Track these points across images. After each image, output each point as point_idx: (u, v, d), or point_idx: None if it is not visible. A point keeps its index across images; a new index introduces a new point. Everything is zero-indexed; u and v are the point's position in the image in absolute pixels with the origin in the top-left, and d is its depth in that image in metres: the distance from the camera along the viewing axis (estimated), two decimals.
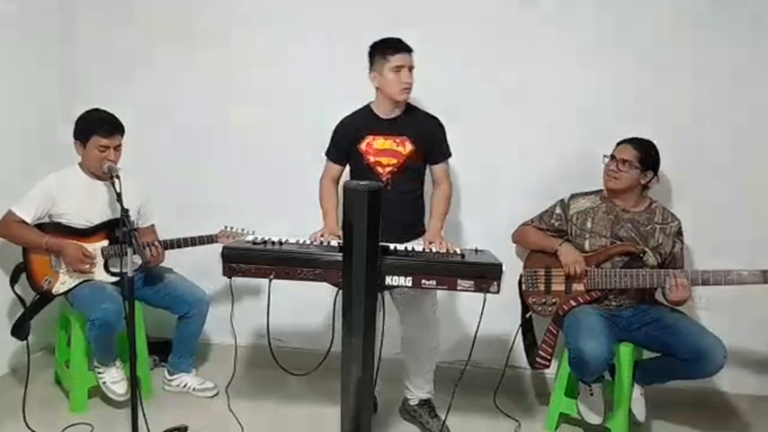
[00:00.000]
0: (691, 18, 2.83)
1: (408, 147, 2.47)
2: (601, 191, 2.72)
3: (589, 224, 2.66)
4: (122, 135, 2.71)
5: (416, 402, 2.68)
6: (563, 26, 2.92)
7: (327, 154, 2.61)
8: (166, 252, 2.80)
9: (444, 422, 2.50)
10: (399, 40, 2.43)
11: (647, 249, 2.60)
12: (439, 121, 2.56)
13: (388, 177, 2.47)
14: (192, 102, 3.26)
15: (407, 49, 2.42)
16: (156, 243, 2.76)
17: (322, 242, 2.26)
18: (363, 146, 2.49)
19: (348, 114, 2.57)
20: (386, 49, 2.41)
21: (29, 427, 2.49)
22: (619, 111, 2.91)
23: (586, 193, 2.73)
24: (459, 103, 2.97)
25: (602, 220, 2.65)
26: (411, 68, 2.42)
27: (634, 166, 2.58)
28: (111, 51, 3.28)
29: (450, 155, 2.58)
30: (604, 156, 2.66)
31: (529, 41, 2.95)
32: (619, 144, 2.65)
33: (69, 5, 3.21)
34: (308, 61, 3.11)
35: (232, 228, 2.84)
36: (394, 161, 2.47)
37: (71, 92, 3.23)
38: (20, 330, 2.67)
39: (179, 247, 2.80)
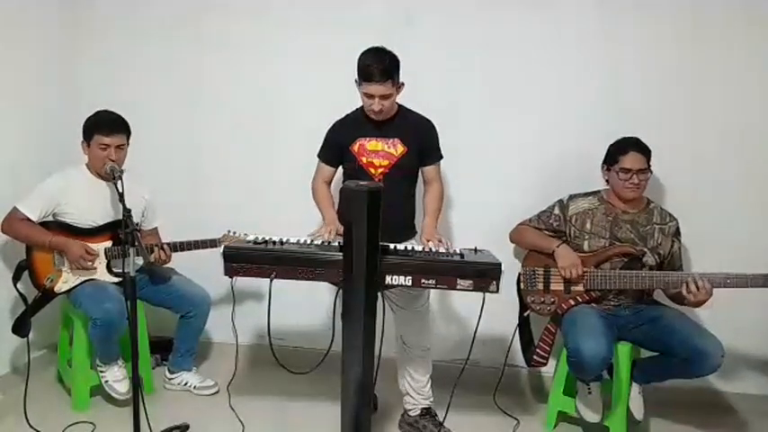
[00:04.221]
0: (688, 18, 2.85)
1: (400, 148, 2.48)
2: (599, 192, 2.73)
3: (588, 225, 2.68)
4: (127, 136, 2.72)
5: (418, 412, 2.64)
6: (562, 26, 2.94)
7: (320, 156, 2.62)
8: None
9: (443, 423, 2.50)
10: (373, 68, 2.32)
11: (646, 250, 2.61)
12: (431, 123, 2.56)
13: (380, 178, 2.47)
14: (193, 102, 3.27)
15: (378, 79, 2.32)
16: (165, 245, 2.77)
17: (322, 242, 2.27)
18: (355, 147, 2.50)
19: (341, 117, 2.58)
20: (360, 73, 2.37)
21: (31, 426, 2.51)
22: (616, 110, 2.92)
23: (585, 195, 2.74)
24: (458, 104, 2.99)
25: (601, 221, 2.66)
26: (383, 96, 2.35)
27: (648, 171, 2.60)
28: (111, 51, 3.30)
29: (441, 156, 2.59)
30: (608, 169, 2.66)
31: (526, 41, 2.97)
32: (623, 154, 2.59)
33: (69, 5, 3.22)
34: (309, 61, 3.13)
35: (235, 232, 2.85)
36: (386, 162, 2.48)
37: (72, 92, 3.25)
38: (21, 328, 2.68)
39: (181, 250, 2.82)
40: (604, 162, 2.70)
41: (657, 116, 2.90)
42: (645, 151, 2.61)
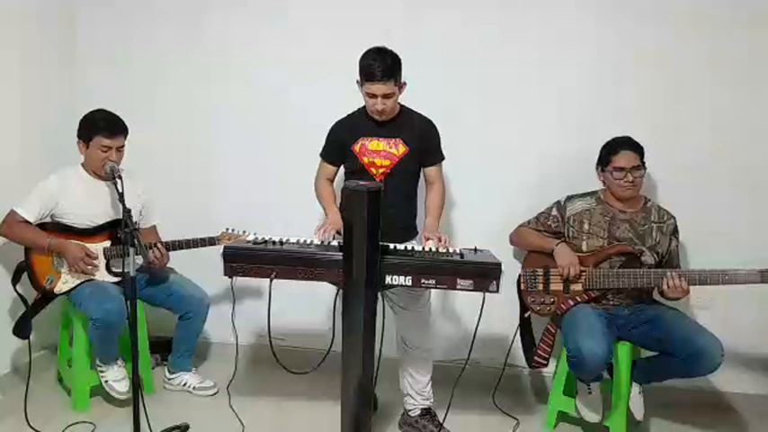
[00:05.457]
0: (688, 19, 2.85)
1: (402, 148, 2.49)
2: (596, 192, 2.74)
3: (586, 225, 2.68)
4: (125, 136, 2.71)
5: (418, 413, 2.65)
6: (562, 27, 2.94)
7: (322, 154, 2.63)
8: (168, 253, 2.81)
9: (443, 423, 2.50)
10: (375, 67, 2.32)
11: (644, 249, 2.61)
12: (433, 123, 2.56)
13: (381, 178, 2.47)
14: (193, 102, 3.27)
15: (381, 79, 2.32)
16: (159, 245, 2.77)
17: (322, 242, 2.27)
18: (357, 147, 2.50)
19: (343, 116, 2.58)
20: (362, 73, 2.37)
21: (31, 426, 2.51)
22: (615, 111, 2.92)
23: (582, 195, 2.74)
24: (458, 104, 2.98)
25: (598, 221, 2.67)
26: (386, 95, 2.36)
27: (642, 168, 2.61)
28: (110, 51, 3.30)
29: (443, 157, 2.59)
30: (602, 170, 2.67)
31: (526, 42, 2.97)
32: (615, 153, 2.61)
33: (69, 5, 3.22)
34: (309, 61, 3.13)
35: (233, 230, 2.85)
36: (387, 162, 2.48)
37: (72, 92, 3.24)
38: (22, 330, 2.68)
39: (180, 248, 2.82)
40: (598, 164, 2.70)
41: (657, 116, 2.90)
42: (637, 148, 2.61)
